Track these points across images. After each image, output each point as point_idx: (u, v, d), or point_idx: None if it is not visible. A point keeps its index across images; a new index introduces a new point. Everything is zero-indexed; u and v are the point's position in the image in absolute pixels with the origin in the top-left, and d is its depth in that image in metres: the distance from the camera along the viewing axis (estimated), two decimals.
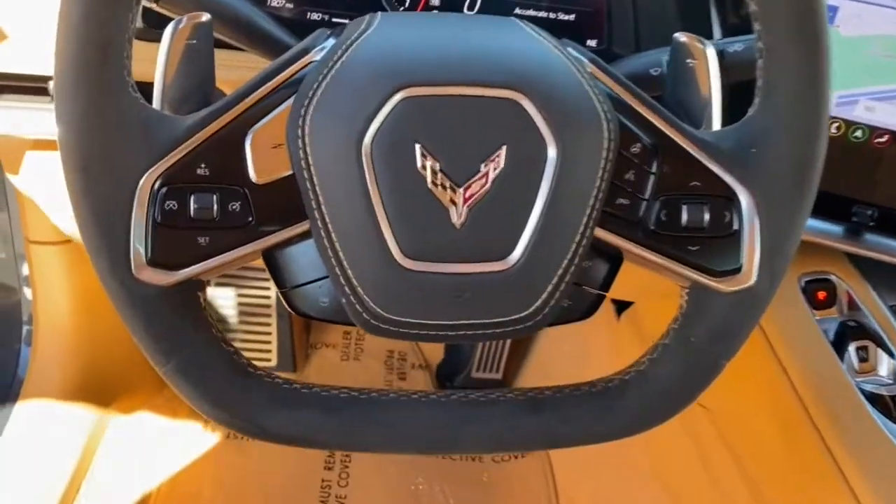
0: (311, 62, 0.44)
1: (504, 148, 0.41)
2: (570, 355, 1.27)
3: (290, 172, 0.43)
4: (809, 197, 0.46)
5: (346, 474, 1.29)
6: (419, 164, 0.41)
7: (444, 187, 0.41)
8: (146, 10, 0.54)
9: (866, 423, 0.67)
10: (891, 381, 0.71)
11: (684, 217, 0.45)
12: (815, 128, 0.44)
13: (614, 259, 0.48)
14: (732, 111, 0.51)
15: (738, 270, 0.46)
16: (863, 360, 0.71)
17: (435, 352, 1.50)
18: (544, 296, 0.44)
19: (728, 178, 0.45)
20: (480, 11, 0.74)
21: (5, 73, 0.65)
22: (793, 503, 0.74)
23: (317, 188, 0.42)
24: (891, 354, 0.72)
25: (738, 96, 0.53)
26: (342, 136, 0.41)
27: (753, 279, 0.46)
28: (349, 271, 0.43)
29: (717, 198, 0.45)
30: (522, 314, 0.44)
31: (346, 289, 0.43)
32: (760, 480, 0.77)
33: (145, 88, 0.45)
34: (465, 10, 0.75)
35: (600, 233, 0.45)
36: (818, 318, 0.75)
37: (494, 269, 0.43)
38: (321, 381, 0.48)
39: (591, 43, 0.75)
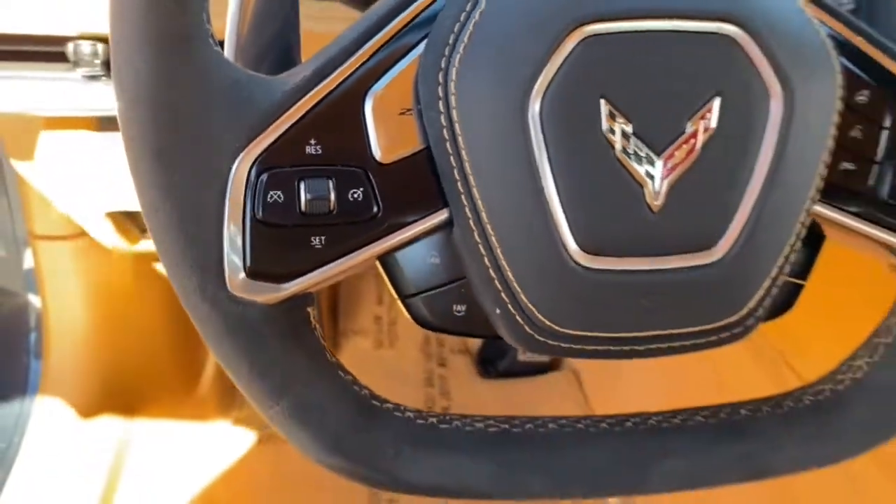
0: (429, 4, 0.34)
1: (717, 101, 0.32)
2: (658, 371, 1.17)
3: (422, 147, 0.33)
4: None
5: None
6: (605, 126, 0.32)
7: (637, 156, 0.32)
8: None
9: None
10: None
11: None
12: None
13: (816, 238, 0.39)
14: None
15: None
16: None
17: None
18: (760, 291, 0.35)
19: None
20: None
21: (7, 35, 0.53)
22: None
23: (465, 165, 0.32)
24: None
25: None
26: (503, 94, 0.31)
27: None
28: (507, 272, 0.33)
29: None
30: (733, 318, 0.35)
31: (503, 295, 0.34)
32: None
33: None
34: None
35: (818, 207, 0.36)
36: None
37: (699, 263, 0.34)
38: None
39: None
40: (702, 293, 0.34)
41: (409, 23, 0.33)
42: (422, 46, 0.33)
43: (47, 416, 0.98)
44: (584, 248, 0.33)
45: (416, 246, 0.36)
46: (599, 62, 0.31)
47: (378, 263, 0.36)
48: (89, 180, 0.63)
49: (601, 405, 1.23)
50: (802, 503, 0.81)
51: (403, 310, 0.38)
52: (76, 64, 0.55)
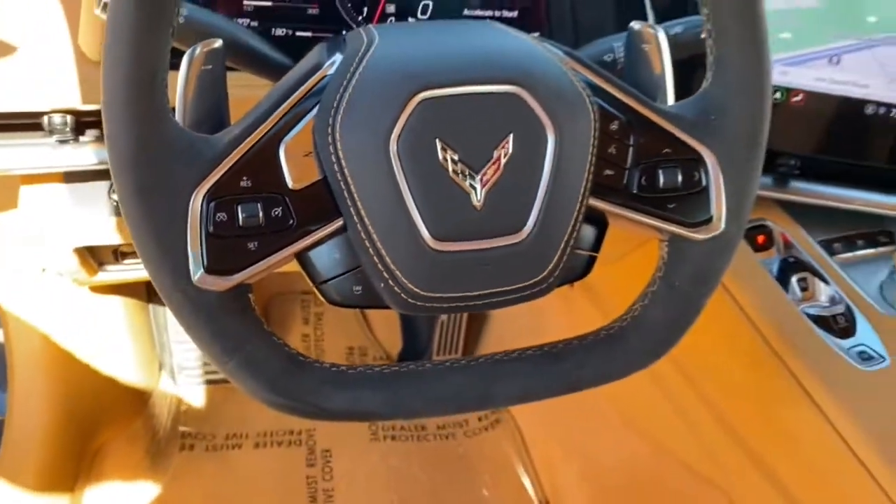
0: (325, 75, 0.47)
1: (511, 135, 0.46)
2: (527, 329, 1.32)
3: (322, 177, 0.47)
4: (761, 152, 0.53)
5: (328, 468, 1.32)
6: (440, 156, 0.45)
7: (463, 175, 0.46)
8: None
9: (816, 341, 0.76)
10: (829, 304, 0.80)
11: (661, 180, 0.51)
12: (761, 93, 0.52)
13: (601, 223, 0.53)
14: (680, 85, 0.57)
15: (709, 220, 0.52)
16: (804, 289, 0.80)
17: (393, 342, 1.53)
18: (554, 260, 0.49)
19: (694, 143, 0.51)
20: (432, 16, 0.79)
21: None
22: (763, 426, 0.81)
23: (351, 188, 0.46)
24: (826, 282, 0.81)
25: (680, 72, 0.59)
26: (371, 139, 0.45)
27: (723, 226, 0.52)
28: (386, 258, 0.47)
29: (686, 161, 0.51)
30: (538, 278, 0.49)
31: (385, 274, 0.47)
32: (730, 412, 0.85)
33: None
34: (419, 14, 0.79)
35: (592, 201, 0.50)
36: (761, 259, 0.84)
37: (512, 242, 0.47)
38: None
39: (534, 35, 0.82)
40: (515, 262, 0.48)
41: (306, 93, 0.47)
42: (316, 109, 0.46)
43: (13, 448, 1.05)
44: (435, 237, 0.46)
45: (324, 246, 0.49)
46: (434, 115, 0.45)
47: (296, 260, 0.49)
48: (60, 222, 0.76)
49: None
50: (623, 399, 0.99)
51: (318, 294, 0.51)
52: (50, 132, 0.69)
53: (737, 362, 0.83)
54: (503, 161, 0.46)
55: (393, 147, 0.45)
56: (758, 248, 0.84)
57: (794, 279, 0.80)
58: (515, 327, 1.37)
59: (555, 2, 0.80)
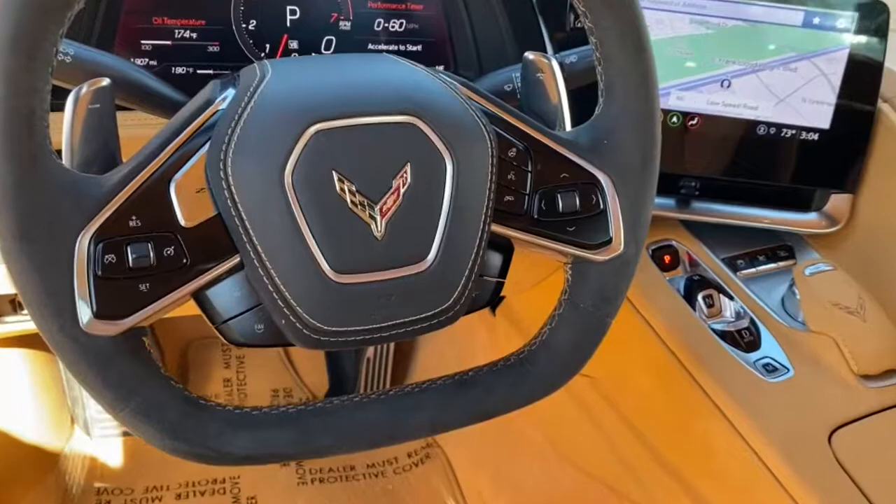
0: (218, 110, 0.46)
1: (409, 165, 0.46)
2: (454, 359, 1.31)
3: (215, 213, 0.45)
4: (654, 173, 0.54)
5: None
6: (338, 188, 0.44)
7: (362, 205, 0.45)
8: None
9: (723, 356, 0.77)
10: (734, 319, 0.82)
11: (560, 204, 0.51)
12: (650, 116, 0.53)
13: (507, 249, 0.53)
14: (576, 112, 0.59)
15: (609, 242, 0.53)
16: (710, 305, 0.82)
17: (319, 381, 1.50)
18: (458, 289, 0.49)
19: (589, 167, 0.52)
20: (336, 52, 0.79)
21: None
22: (679, 442, 0.82)
23: (246, 223, 0.44)
24: (730, 298, 0.83)
25: (577, 100, 0.61)
26: (265, 173, 0.44)
27: (622, 246, 0.53)
28: (286, 294, 0.45)
29: (583, 184, 0.52)
30: (443, 307, 0.49)
31: (285, 311, 0.46)
32: (648, 430, 0.85)
33: None
34: (323, 49, 0.79)
35: (494, 227, 0.50)
36: (668, 277, 0.85)
37: (415, 272, 0.47)
38: None
39: (440, 68, 0.82)
40: (420, 292, 0.47)
41: (197, 129, 0.46)
42: (207, 145, 0.45)
43: None
44: (337, 270, 0.45)
45: (221, 285, 0.47)
46: (329, 146, 0.44)
47: (193, 300, 0.47)
48: None
49: None
50: (550, 425, 0.99)
51: (219, 335, 0.49)
52: None
53: (651, 380, 0.84)
54: (402, 191, 0.46)
55: (288, 180, 0.44)
56: (665, 268, 0.86)
57: (700, 296, 0.82)
58: (442, 359, 1.36)
59: (458, 36, 0.81)
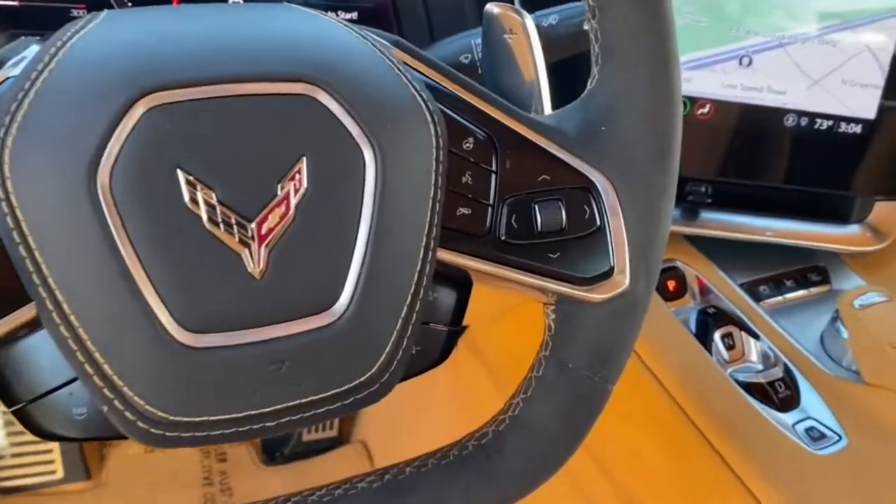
0: (6, 79, 0.34)
1: (304, 160, 0.34)
2: (409, 394, 1.22)
3: None
4: (673, 171, 0.43)
5: None
6: (187, 196, 0.32)
7: (228, 225, 0.33)
8: None
9: (750, 416, 0.67)
10: (762, 366, 0.72)
11: (538, 219, 0.41)
12: (668, 90, 0.42)
13: (462, 284, 0.43)
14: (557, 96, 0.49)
15: (609, 273, 0.42)
16: (730, 347, 0.72)
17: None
18: (389, 347, 0.37)
19: (580, 165, 0.41)
20: None
21: None
22: None
23: (36, 254, 0.31)
24: (755, 336, 0.73)
25: (558, 73, 0.51)
26: (64, 174, 0.31)
27: (628, 280, 0.42)
28: (104, 365, 0.33)
29: (572, 190, 0.41)
30: (364, 376, 0.37)
31: (107, 392, 0.33)
32: (644, 500, 0.77)
33: None
34: None
35: (443, 254, 0.39)
36: (673, 309, 0.77)
37: (316, 326, 0.35)
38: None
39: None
40: (324, 357, 0.35)
41: None
42: None
43: None
44: (187, 327, 0.32)
45: (19, 349, 0.35)
46: (171, 131, 0.32)
47: None
48: None
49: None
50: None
51: (19, 422, 0.37)
52: None
53: (657, 447, 0.74)
54: (294, 200, 0.34)
55: (103, 186, 0.31)
56: (669, 297, 0.77)
57: (717, 335, 0.72)
58: (394, 400, 1.25)
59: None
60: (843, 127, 0.79)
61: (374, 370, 0.37)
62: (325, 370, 0.36)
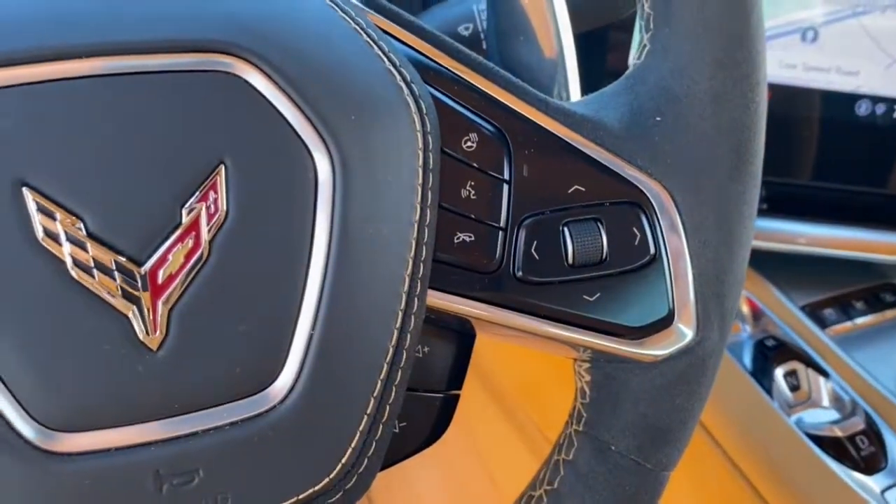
0: None
1: (222, 169, 0.25)
2: None
3: None
4: (755, 181, 0.35)
5: None
6: (39, 229, 0.24)
7: (104, 271, 0.24)
8: None
9: (826, 477, 0.59)
10: (837, 414, 0.63)
11: (569, 247, 0.33)
12: (749, 65, 0.34)
13: (462, 334, 0.35)
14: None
15: (667, 321, 0.34)
16: (794, 388, 0.64)
17: None
18: (357, 438, 0.29)
19: (626, 172, 0.33)
20: None
21: None
22: None
23: None
24: (824, 375, 0.65)
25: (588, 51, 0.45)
26: None
27: (693, 331, 0.34)
28: None
29: (615, 206, 0.34)
30: (323, 482, 0.29)
31: None
32: None
33: None
34: None
35: (436, 299, 0.31)
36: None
37: (246, 415, 0.27)
38: None
39: None
40: (259, 460, 0.27)
41: None
42: None
43: None
44: (50, 425, 0.25)
45: None
46: (7, 130, 0.23)
47: None
48: None
49: None
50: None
51: None
52: None
53: None
54: (206, 232, 0.25)
55: None
56: None
57: (778, 372, 0.64)
58: None
59: None
60: None
61: (334, 472, 0.29)
62: (259, 480, 0.28)
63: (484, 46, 0.47)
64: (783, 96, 0.72)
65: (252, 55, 0.25)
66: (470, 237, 0.32)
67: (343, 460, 0.28)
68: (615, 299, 0.34)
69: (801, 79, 0.71)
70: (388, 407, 0.29)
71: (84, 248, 0.23)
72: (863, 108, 0.72)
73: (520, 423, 0.90)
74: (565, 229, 0.33)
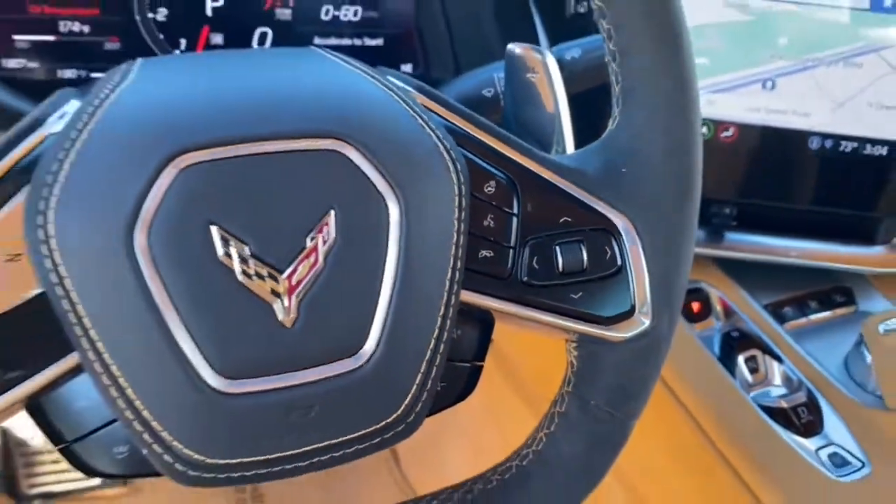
0: (48, 136, 0.35)
1: (332, 213, 0.34)
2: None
3: (38, 290, 0.33)
4: (693, 212, 0.43)
5: None
6: (220, 251, 0.33)
7: (260, 277, 0.33)
8: None
9: (774, 442, 0.66)
10: (785, 390, 0.70)
11: (559, 260, 0.41)
12: (688, 131, 0.42)
13: (485, 322, 0.43)
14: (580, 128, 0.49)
15: (630, 312, 0.42)
16: (753, 370, 0.71)
17: None
18: (414, 388, 0.37)
19: (601, 207, 0.41)
20: (273, 46, 0.68)
21: None
22: None
23: (78, 307, 0.32)
24: (779, 360, 0.72)
25: (581, 110, 0.51)
26: (104, 231, 0.32)
27: (649, 319, 0.42)
28: (145, 412, 0.34)
29: (592, 231, 0.42)
30: (391, 417, 0.37)
31: (146, 436, 0.34)
32: None
33: None
34: (255, 45, 0.68)
35: (466, 296, 0.39)
36: (697, 331, 0.75)
37: (345, 370, 0.35)
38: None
39: (406, 69, 0.72)
40: (352, 400, 0.36)
41: (12, 166, 0.34)
42: (26, 190, 0.33)
43: None
44: (222, 374, 0.33)
45: (63, 392, 0.36)
46: (203, 189, 0.32)
47: (28, 415, 0.36)
48: None
49: (418, 480, 1.24)
50: None
51: (65, 460, 0.37)
52: None
53: (679, 468, 0.73)
54: (322, 251, 0.34)
55: (141, 242, 0.32)
56: (693, 318, 0.75)
57: (740, 358, 0.71)
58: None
59: (428, 26, 0.71)
60: (869, 149, 0.77)
61: (400, 410, 0.37)
62: (353, 412, 0.36)
63: (501, 104, 0.55)
64: (749, 134, 0.76)
65: (351, 139, 0.34)
66: (490, 253, 0.40)
67: (405, 403, 0.37)
68: (593, 297, 0.42)
69: (764, 119, 0.76)
70: (434, 370, 0.38)
71: (247, 263, 0.33)
72: (814, 143, 0.77)
73: (535, 405, 0.95)
74: (557, 248, 0.41)
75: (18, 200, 0.33)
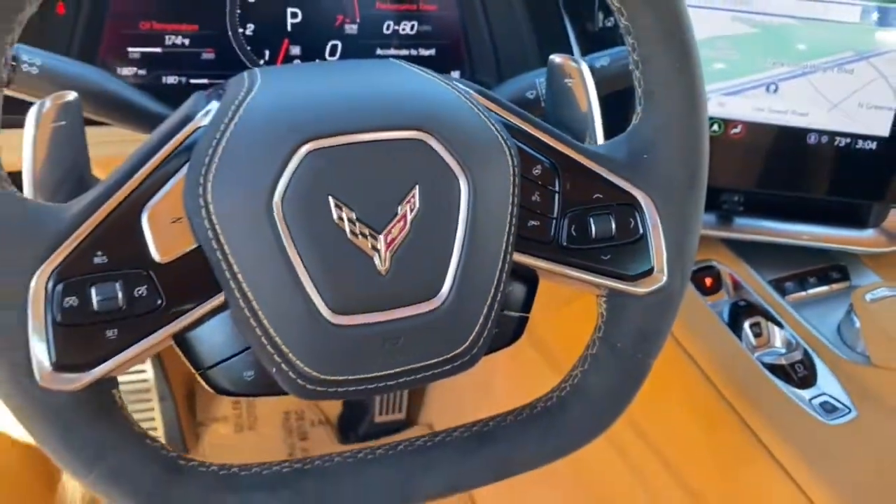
0: (198, 127, 0.42)
1: (417, 188, 0.41)
2: (472, 384, 1.25)
3: (195, 245, 0.40)
4: (702, 192, 0.49)
5: None
6: (335, 216, 0.40)
7: (364, 236, 0.41)
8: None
9: (774, 393, 0.71)
10: (785, 350, 0.76)
11: (593, 229, 0.47)
12: (697, 127, 0.48)
13: (531, 280, 0.49)
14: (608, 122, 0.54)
15: (650, 272, 0.48)
16: (757, 335, 0.76)
17: (333, 404, 1.45)
18: (477, 327, 0.44)
19: (626, 186, 0.48)
20: (342, 58, 0.74)
21: None
22: (726, 491, 0.76)
23: (229, 257, 0.40)
24: (780, 325, 0.77)
25: (609, 108, 0.56)
26: (250, 200, 0.39)
27: (665, 277, 0.48)
28: (277, 338, 0.41)
29: (619, 206, 0.47)
30: (459, 349, 0.44)
31: (276, 357, 0.41)
32: (687, 470, 0.80)
33: (14, 178, 0.41)
34: (328, 55, 0.74)
35: (517, 256, 0.46)
36: (710, 302, 0.80)
37: (425, 310, 0.42)
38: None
39: (455, 74, 0.78)
40: (430, 333, 0.43)
41: (174, 150, 0.41)
42: (186, 168, 0.40)
43: None
44: (335, 310, 0.40)
45: (205, 326, 0.42)
46: (324, 168, 0.40)
47: (174, 344, 0.42)
48: None
49: None
50: (581, 466, 0.89)
51: (203, 383, 0.44)
52: None
53: (694, 419, 0.78)
54: (409, 217, 0.41)
55: (277, 208, 0.39)
56: (706, 292, 0.81)
57: (746, 324, 0.77)
58: (460, 384, 1.30)
59: (475, 38, 0.77)
60: (860, 143, 0.81)
61: (465, 345, 0.44)
62: (430, 344, 0.43)
63: (542, 104, 0.61)
64: (755, 131, 0.80)
65: (432, 130, 0.41)
66: (537, 223, 0.46)
67: (470, 338, 0.43)
68: (620, 259, 0.47)
69: (768, 118, 0.80)
70: (493, 314, 0.44)
71: (354, 225, 0.40)
72: (812, 139, 0.81)
73: (564, 372, 1.00)
74: (590, 219, 0.46)
75: (180, 176, 0.40)
